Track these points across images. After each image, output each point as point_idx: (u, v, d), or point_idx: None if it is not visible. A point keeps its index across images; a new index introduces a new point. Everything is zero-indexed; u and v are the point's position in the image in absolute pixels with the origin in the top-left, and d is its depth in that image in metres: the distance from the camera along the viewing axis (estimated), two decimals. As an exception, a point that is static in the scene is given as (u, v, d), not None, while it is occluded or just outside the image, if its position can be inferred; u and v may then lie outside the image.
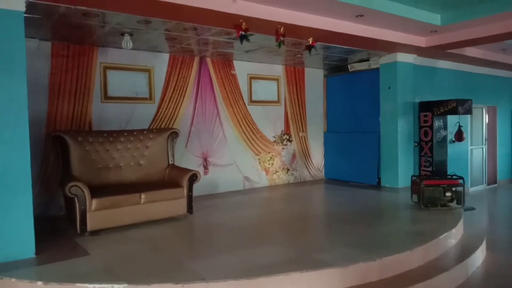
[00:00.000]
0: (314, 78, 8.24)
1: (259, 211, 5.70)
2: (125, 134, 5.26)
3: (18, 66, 3.51)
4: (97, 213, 4.26)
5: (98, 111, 5.62)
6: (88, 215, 4.21)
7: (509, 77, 9.58)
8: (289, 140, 7.89)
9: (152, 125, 6.05)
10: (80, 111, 5.45)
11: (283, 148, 7.78)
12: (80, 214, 4.19)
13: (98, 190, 4.38)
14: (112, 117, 5.71)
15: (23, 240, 3.55)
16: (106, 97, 5.70)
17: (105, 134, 5.12)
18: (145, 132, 5.45)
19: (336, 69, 8.12)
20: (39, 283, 3.02)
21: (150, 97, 6.13)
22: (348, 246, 3.79)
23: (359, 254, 3.51)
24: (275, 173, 7.69)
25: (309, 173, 8.22)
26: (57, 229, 4.54)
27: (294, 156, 7.97)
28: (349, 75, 7.92)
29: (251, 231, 4.54)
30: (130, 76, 5.91)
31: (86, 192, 4.20)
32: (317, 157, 8.35)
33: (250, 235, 4.36)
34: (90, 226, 4.23)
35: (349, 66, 7.76)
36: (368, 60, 7.41)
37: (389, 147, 7.12)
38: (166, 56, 6.24)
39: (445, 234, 4.10)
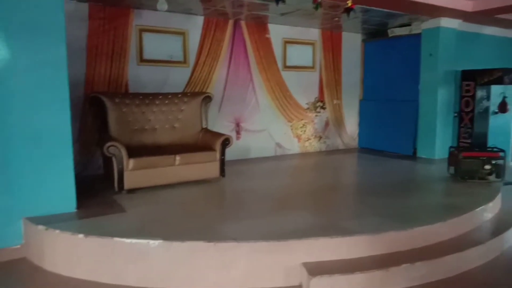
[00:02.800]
0: (352, 43, 7.97)
1: (290, 178, 5.73)
2: (160, 97, 5.34)
3: (57, 29, 3.55)
4: (134, 172, 4.41)
5: (134, 74, 5.70)
6: (125, 174, 4.37)
7: None
8: (323, 108, 7.78)
9: (186, 89, 6.10)
10: (116, 73, 5.55)
11: (316, 115, 7.69)
12: (117, 173, 4.36)
13: (135, 151, 4.51)
14: (148, 80, 5.79)
15: (65, 196, 3.73)
16: (142, 60, 5.76)
17: (141, 97, 5.22)
18: (179, 95, 5.51)
19: (375, 34, 7.81)
20: (80, 235, 3.20)
21: (185, 61, 6.14)
22: (378, 216, 3.76)
23: (390, 224, 3.49)
24: (307, 140, 7.65)
25: (342, 141, 8.12)
26: (96, 187, 4.74)
27: (327, 124, 7.87)
28: (388, 40, 7.60)
29: (281, 198, 4.59)
30: (165, 39, 5.93)
31: (124, 152, 4.34)
32: (351, 125, 8.21)
33: (280, 201, 4.41)
34: (127, 184, 4.39)
35: (389, 31, 7.43)
36: (409, 25, 7.07)
37: (428, 117, 6.89)
38: (200, 19, 6.19)
39: (480, 208, 3.99)
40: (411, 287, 3.05)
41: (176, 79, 6.04)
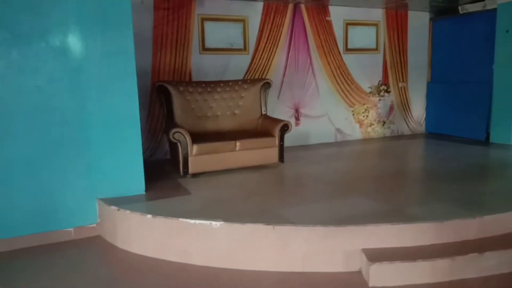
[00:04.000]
0: (418, 22, 7.54)
1: (350, 164, 5.64)
2: (222, 84, 5.48)
3: (125, 20, 3.76)
4: (197, 157, 4.60)
5: (197, 62, 5.88)
6: (189, 159, 4.57)
7: None
8: (387, 91, 7.50)
9: (246, 76, 6.19)
10: (180, 62, 5.77)
11: (379, 99, 7.44)
12: (182, 158, 4.57)
13: (198, 137, 4.69)
14: (209, 68, 5.95)
15: (134, 179, 3.98)
16: (204, 49, 5.93)
17: (203, 85, 5.39)
18: (239, 82, 5.61)
19: (444, 11, 7.32)
20: (149, 216, 3.42)
21: (244, 48, 6.22)
22: (445, 203, 3.59)
23: (457, 211, 3.33)
24: (370, 125, 7.44)
25: (408, 126, 7.79)
26: (163, 171, 5.00)
27: (391, 108, 7.58)
28: (459, 18, 7.10)
29: (341, 183, 4.54)
30: (225, 27, 6.03)
31: (188, 138, 4.53)
32: (418, 109, 7.84)
33: (340, 187, 4.37)
34: (191, 169, 4.60)
35: (460, 7, 6.94)
36: (483, 0, 6.54)
37: (503, 99, 6.37)
38: (260, 5, 6.21)
39: (562, 197, 3.67)
40: (478, 277, 2.91)
41: (237, 66, 6.14)
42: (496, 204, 3.56)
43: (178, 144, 4.57)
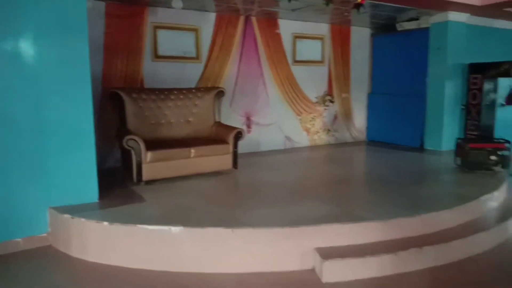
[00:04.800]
0: (361, 37, 8.08)
1: (301, 170, 5.90)
2: (175, 92, 5.52)
3: (80, 26, 3.73)
4: (152, 164, 4.60)
5: (149, 70, 5.88)
6: (143, 166, 4.56)
7: None
8: (331, 101, 7.91)
9: (198, 84, 6.27)
10: (132, 69, 5.74)
11: (325, 109, 7.83)
12: (136, 165, 4.55)
13: (152, 144, 4.70)
14: (162, 76, 5.96)
15: (88, 187, 3.92)
16: (157, 56, 5.94)
17: (157, 92, 5.40)
18: (193, 90, 5.69)
19: (383, 28, 7.91)
20: (105, 223, 3.40)
21: (197, 57, 6.31)
22: (389, 204, 3.94)
23: (400, 211, 3.66)
24: (316, 133, 7.80)
25: (351, 134, 8.26)
26: (115, 179, 4.92)
27: (336, 117, 8.01)
28: (397, 34, 7.70)
29: (294, 188, 4.76)
30: (178, 36, 6.10)
31: (142, 145, 4.53)
32: (360, 118, 8.34)
33: (293, 192, 4.58)
34: (145, 176, 4.59)
35: (397, 25, 7.53)
36: (417, 19, 7.16)
37: (435, 110, 7.01)
38: (212, 16, 6.35)
39: (486, 196, 4.14)
40: (420, 270, 3.22)
41: (189, 74, 6.21)
42: (432, 204, 3.93)
43: (132, 151, 4.55)
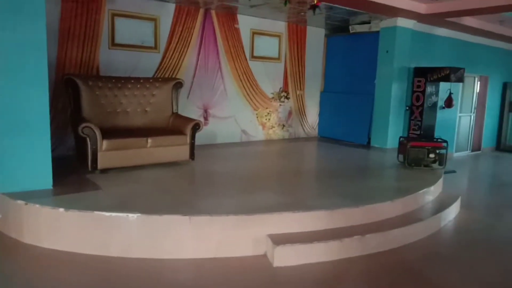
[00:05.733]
0: (315, 37, 8.38)
1: (256, 163, 6.09)
2: (132, 81, 5.50)
3: (38, 10, 3.67)
4: (107, 153, 4.59)
5: (105, 58, 5.80)
6: (98, 154, 4.54)
7: (504, 48, 9.80)
8: (287, 98, 8.17)
9: (156, 74, 6.28)
10: (88, 56, 5.64)
11: (280, 104, 8.07)
12: (91, 153, 4.52)
13: (108, 132, 4.68)
14: (119, 64, 5.90)
15: (41, 173, 3.87)
16: (113, 44, 5.87)
17: (113, 80, 5.35)
18: (151, 80, 5.69)
19: (337, 29, 8.26)
20: (61, 209, 3.39)
21: (155, 47, 6.30)
22: (336, 195, 4.21)
23: (345, 202, 3.94)
24: (271, 128, 8.02)
25: (304, 130, 8.57)
26: (69, 167, 4.85)
27: (290, 113, 8.28)
28: (349, 36, 8.08)
29: (249, 179, 4.93)
30: (136, 25, 6.05)
31: (98, 133, 4.50)
32: (312, 115, 8.67)
33: (248, 183, 4.76)
34: (100, 164, 4.57)
35: (350, 27, 7.90)
36: (369, 22, 7.56)
37: (382, 110, 7.46)
38: (172, 6, 6.35)
39: (423, 190, 4.53)
40: (363, 255, 3.50)
41: (147, 64, 6.19)
42: (375, 196, 4.27)
43: (87, 139, 4.51)
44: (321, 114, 8.73)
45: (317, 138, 8.61)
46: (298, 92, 8.33)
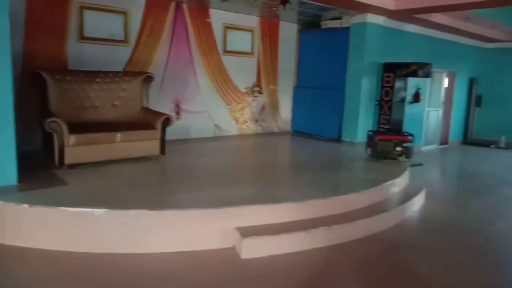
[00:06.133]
0: (288, 32, 8.45)
1: (228, 157, 6.11)
2: (101, 75, 5.42)
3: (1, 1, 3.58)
4: (75, 148, 4.52)
5: (74, 51, 5.69)
6: (66, 149, 4.46)
7: (471, 44, 10.12)
8: (260, 92, 8.21)
9: (126, 68, 6.19)
10: (56, 49, 5.52)
11: (253, 99, 8.11)
12: (58, 148, 4.45)
13: (76, 127, 4.60)
14: (88, 58, 5.80)
15: (6, 169, 3.78)
16: (82, 37, 5.76)
17: (82, 74, 5.26)
18: (120, 74, 5.62)
19: (309, 25, 8.34)
20: (25, 205, 3.33)
21: (126, 40, 6.22)
22: (305, 188, 4.30)
23: (314, 194, 4.02)
24: (245, 123, 8.06)
25: (277, 125, 8.64)
26: (35, 163, 4.75)
27: (263, 108, 8.33)
28: (321, 32, 8.18)
29: (220, 173, 4.96)
30: (106, 18, 5.96)
31: (64, 128, 4.43)
32: (286, 110, 8.75)
33: (219, 177, 4.78)
34: (67, 160, 4.49)
35: (322, 23, 8.00)
36: (340, 18, 7.67)
37: (352, 104, 7.60)
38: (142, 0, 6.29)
39: (389, 182, 4.67)
40: (329, 246, 3.59)
41: (117, 57, 6.11)
42: (343, 188, 4.38)
43: (54, 134, 4.44)
44: (294, 109, 8.82)
45: (290, 132, 8.70)
46: (271, 87, 8.38)
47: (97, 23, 5.87)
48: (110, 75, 5.51)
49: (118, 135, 4.83)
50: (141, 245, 3.33)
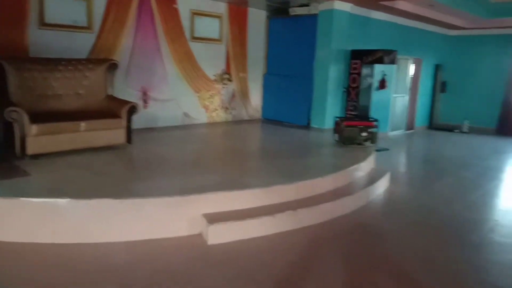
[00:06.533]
0: (257, 19, 8.42)
1: (197, 145, 6.10)
2: (64, 63, 5.26)
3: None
4: (37, 138, 4.39)
5: (35, 38, 5.50)
6: (27, 139, 4.34)
7: (436, 32, 10.39)
8: (229, 80, 8.18)
9: (90, 56, 6.04)
10: (15, 37, 5.32)
11: (223, 87, 8.08)
12: (19, 138, 4.32)
13: (38, 117, 4.47)
14: (49, 45, 5.62)
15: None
16: (43, 24, 5.56)
17: (43, 62, 5.08)
18: (83, 61, 5.48)
19: (278, 11, 8.33)
20: (-17, 197, 3.24)
21: (89, 27, 6.05)
22: (273, 174, 4.36)
23: (281, 179, 4.08)
24: (214, 111, 8.03)
25: (247, 112, 8.66)
26: (-4, 154, 4.62)
27: (233, 95, 8.31)
28: (290, 19, 8.20)
29: (188, 161, 4.95)
30: (68, 3, 5.77)
31: (25, 118, 4.29)
32: (256, 97, 8.77)
33: (187, 165, 4.77)
34: (30, 150, 4.37)
35: (290, 9, 8.01)
36: (308, 5, 7.70)
37: (320, 91, 7.70)
38: (106, -15, 6.13)
39: (354, 167, 4.79)
40: (294, 229, 3.67)
41: (80, 45, 5.94)
42: (309, 173, 4.46)
43: (15, 124, 4.30)
44: (264, 96, 8.85)
45: (261, 120, 8.74)
46: (241, 75, 8.37)
47: (59, 9, 5.68)
48: (73, 62, 5.36)
49: (82, 124, 4.73)
50: (105, 234, 3.30)
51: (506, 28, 9.84)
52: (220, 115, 8.13)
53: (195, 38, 7.40)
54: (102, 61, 5.66)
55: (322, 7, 7.48)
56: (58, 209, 3.26)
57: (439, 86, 11.03)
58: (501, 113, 10.30)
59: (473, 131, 10.48)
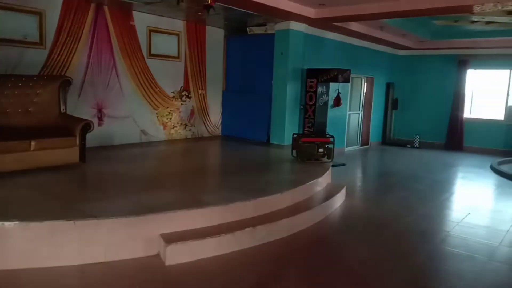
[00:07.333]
0: (215, 37, 8.50)
1: (155, 163, 6.00)
2: (13, 79, 5.06)
3: None
4: (-17, 157, 4.17)
5: (-19, 53, 5.26)
6: (-29, 159, 4.10)
7: (387, 52, 10.91)
8: (188, 97, 8.15)
9: (42, 72, 5.83)
10: (-42, 51, 5.06)
11: (182, 104, 8.03)
12: (-38, 158, 4.07)
13: (-17, 135, 4.25)
14: (-3, 61, 5.39)
15: None
16: (-10, 38, 5.34)
17: (-10, 78, 4.87)
18: (35, 78, 5.29)
19: (236, 30, 8.46)
20: None
21: (41, 42, 5.85)
22: (231, 191, 4.35)
23: (239, 196, 4.08)
24: (173, 128, 7.95)
25: (207, 129, 8.63)
26: None
27: (192, 112, 8.28)
28: (248, 37, 8.34)
29: (145, 180, 4.84)
30: (18, 18, 5.57)
31: (-31, 136, 4.07)
32: (215, 114, 8.77)
33: (143, 183, 4.66)
34: (-26, 170, 4.14)
35: (248, 29, 8.16)
36: (265, 25, 7.88)
37: (279, 109, 7.83)
38: (59, 0, 5.96)
39: (311, 182, 4.89)
40: (254, 246, 3.67)
41: (31, 60, 5.72)
42: (268, 189, 4.49)
43: (-43, 143, 4.06)
44: (224, 113, 8.88)
45: (220, 137, 8.74)
46: (200, 91, 8.36)
47: (8, 23, 5.47)
48: (23, 79, 5.15)
49: (33, 143, 4.55)
50: (57, 258, 3.14)
51: (451, 49, 10.51)
52: (179, 132, 8.06)
53: (153, 55, 7.34)
54: (55, 77, 5.49)
55: (278, 27, 7.67)
56: (6, 233, 3.08)
57: (391, 103, 11.53)
58: (449, 128, 10.91)
59: (423, 146, 11.01)
